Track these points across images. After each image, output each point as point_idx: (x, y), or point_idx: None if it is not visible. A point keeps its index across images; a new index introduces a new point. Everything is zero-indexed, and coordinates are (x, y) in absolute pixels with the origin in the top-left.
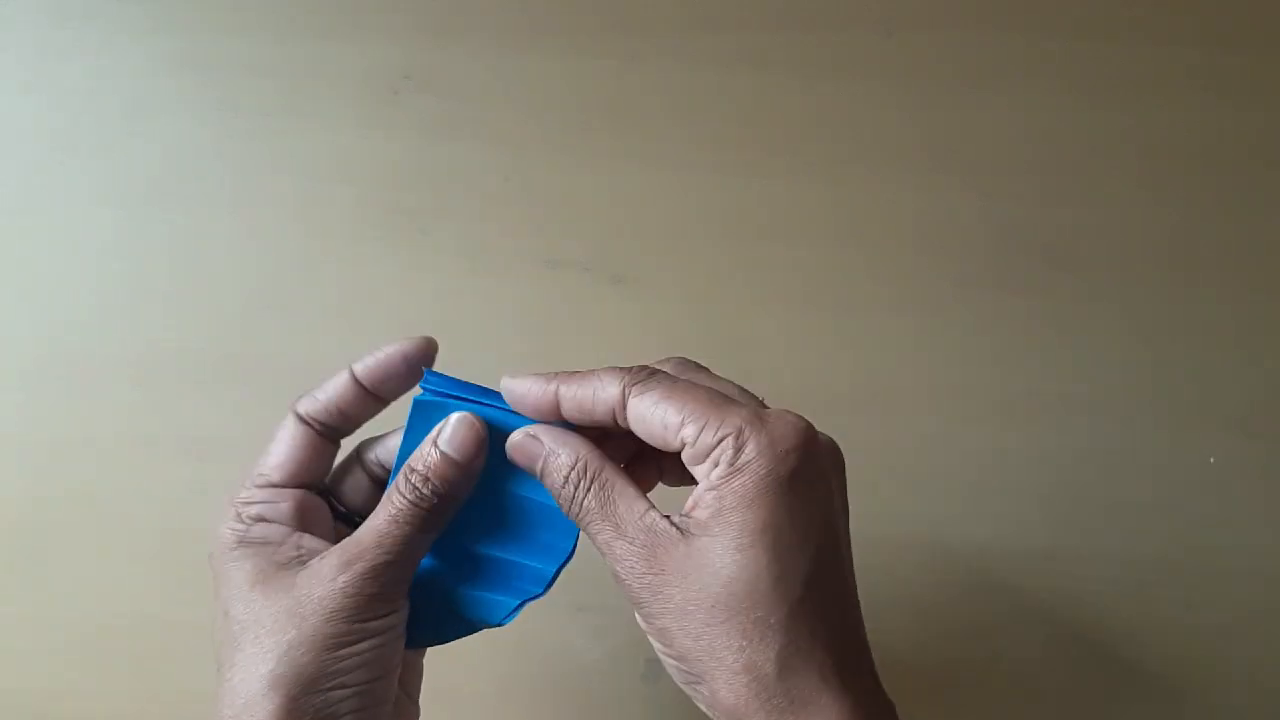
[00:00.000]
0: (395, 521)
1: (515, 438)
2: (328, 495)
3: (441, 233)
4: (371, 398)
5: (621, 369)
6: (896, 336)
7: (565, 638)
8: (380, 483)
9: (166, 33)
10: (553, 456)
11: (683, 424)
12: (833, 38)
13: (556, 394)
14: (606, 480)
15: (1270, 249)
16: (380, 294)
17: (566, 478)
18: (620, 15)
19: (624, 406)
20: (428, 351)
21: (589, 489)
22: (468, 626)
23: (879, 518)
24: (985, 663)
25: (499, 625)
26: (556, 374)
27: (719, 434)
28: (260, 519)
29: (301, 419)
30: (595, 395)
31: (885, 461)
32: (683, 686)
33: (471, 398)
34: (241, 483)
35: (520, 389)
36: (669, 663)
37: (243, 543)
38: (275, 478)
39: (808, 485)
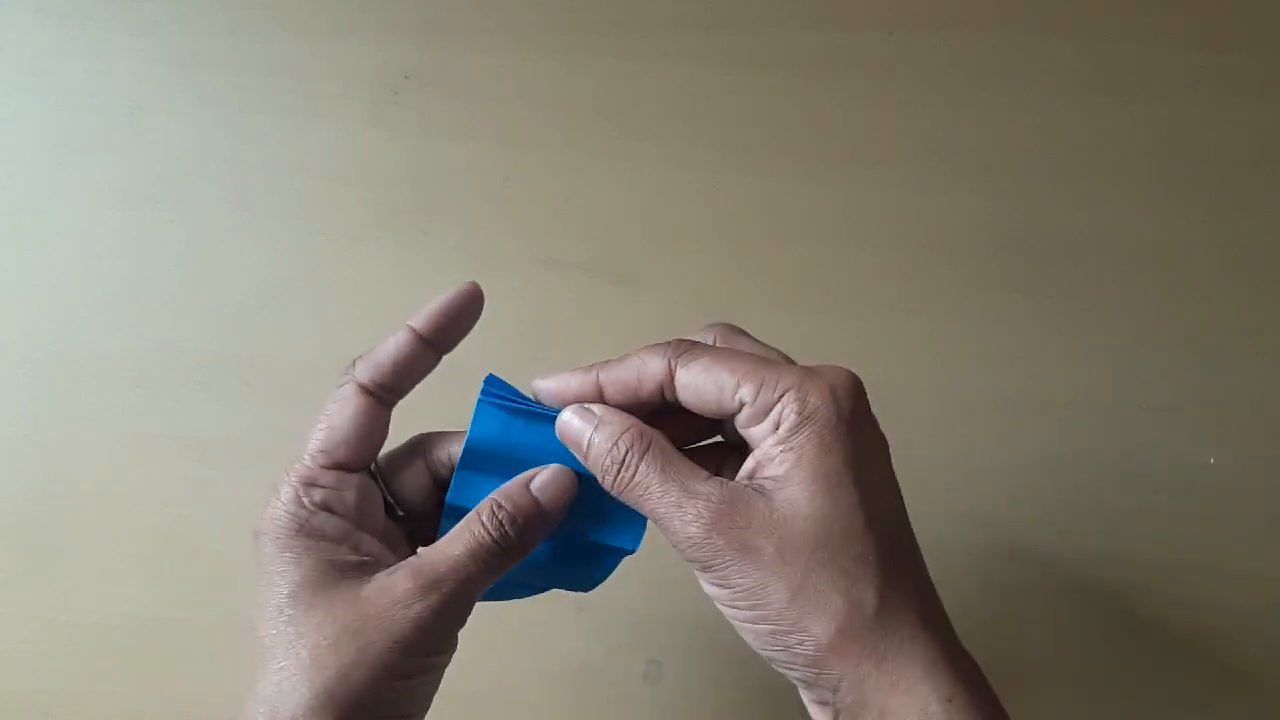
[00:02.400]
0: (474, 557)
1: (565, 415)
2: (377, 479)
3: (441, 233)
4: (430, 352)
5: (660, 344)
6: (897, 337)
7: (565, 638)
8: (441, 484)
9: (167, 33)
10: (604, 425)
11: (739, 385)
12: (833, 38)
13: (598, 380)
14: (664, 445)
15: (1271, 249)
16: (380, 294)
17: (616, 440)
18: (620, 15)
19: (672, 379)
20: (475, 295)
21: (644, 451)
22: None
23: None
24: (984, 662)
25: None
26: (593, 364)
27: (779, 390)
28: (325, 507)
29: (364, 388)
30: (640, 373)
31: None
32: (772, 653)
33: (535, 408)
34: (301, 458)
35: (558, 384)
36: (758, 629)
37: (303, 531)
38: (341, 456)
39: (872, 428)
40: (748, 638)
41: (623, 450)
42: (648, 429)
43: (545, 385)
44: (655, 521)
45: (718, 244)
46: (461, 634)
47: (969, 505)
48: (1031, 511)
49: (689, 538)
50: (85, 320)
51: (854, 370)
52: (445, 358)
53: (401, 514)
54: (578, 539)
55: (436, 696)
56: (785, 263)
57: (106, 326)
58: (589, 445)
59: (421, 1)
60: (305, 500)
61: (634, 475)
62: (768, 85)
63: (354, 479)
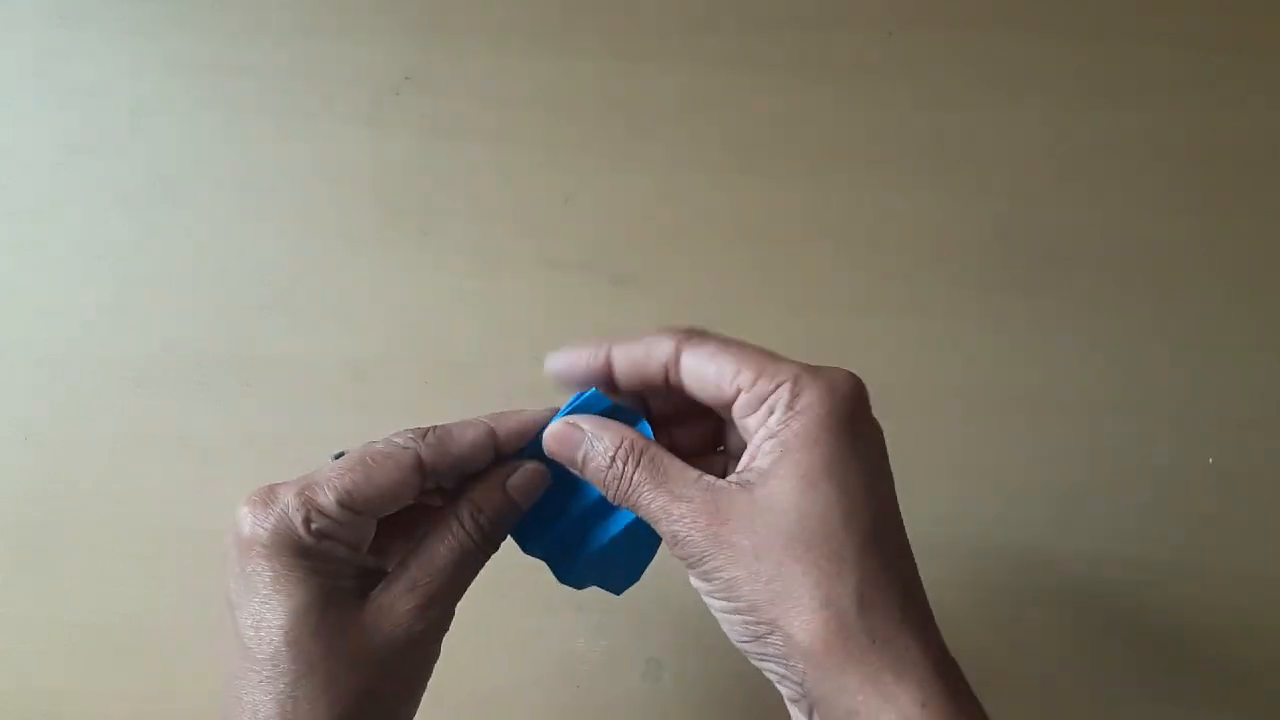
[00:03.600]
0: (461, 564)
1: (554, 428)
2: None
3: (441, 233)
4: (491, 454)
5: (672, 327)
6: (897, 337)
7: (565, 638)
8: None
9: (167, 33)
10: (595, 440)
11: (738, 372)
12: (833, 38)
13: (609, 355)
14: (655, 453)
15: (1271, 250)
16: (380, 294)
17: (613, 457)
18: (620, 16)
19: (677, 361)
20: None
21: (637, 463)
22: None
23: None
24: (983, 662)
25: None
26: (604, 339)
27: (775, 380)
28: (327, 536)
29: (418, 464)
30: (649, 351)
31: None
32: (748, 646)
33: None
34: (319, 481)
35: (569, 358)
36: (733, 620)
37: (307, 554)
38: (360, 506)
39: (866, 429)
40: (726, 629)
41: (620, 465)
42: (639, 438)
43: (556, 362)
44: (651, 524)
45: (718, 244)
46: (461, 634)
47: (968, 505)
48: (1031, 511)
49: (674, 536)
50: (85, 320)
51: (855, 370)
52: (446, 358)
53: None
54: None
55: (436, 696)
56: (785, 263)
57: (107, 327)
58: (584, 461)
59: (421, 1)
60: (312, 526)
61: (629, 487)
62: (768, 85)
63: (368, 521)
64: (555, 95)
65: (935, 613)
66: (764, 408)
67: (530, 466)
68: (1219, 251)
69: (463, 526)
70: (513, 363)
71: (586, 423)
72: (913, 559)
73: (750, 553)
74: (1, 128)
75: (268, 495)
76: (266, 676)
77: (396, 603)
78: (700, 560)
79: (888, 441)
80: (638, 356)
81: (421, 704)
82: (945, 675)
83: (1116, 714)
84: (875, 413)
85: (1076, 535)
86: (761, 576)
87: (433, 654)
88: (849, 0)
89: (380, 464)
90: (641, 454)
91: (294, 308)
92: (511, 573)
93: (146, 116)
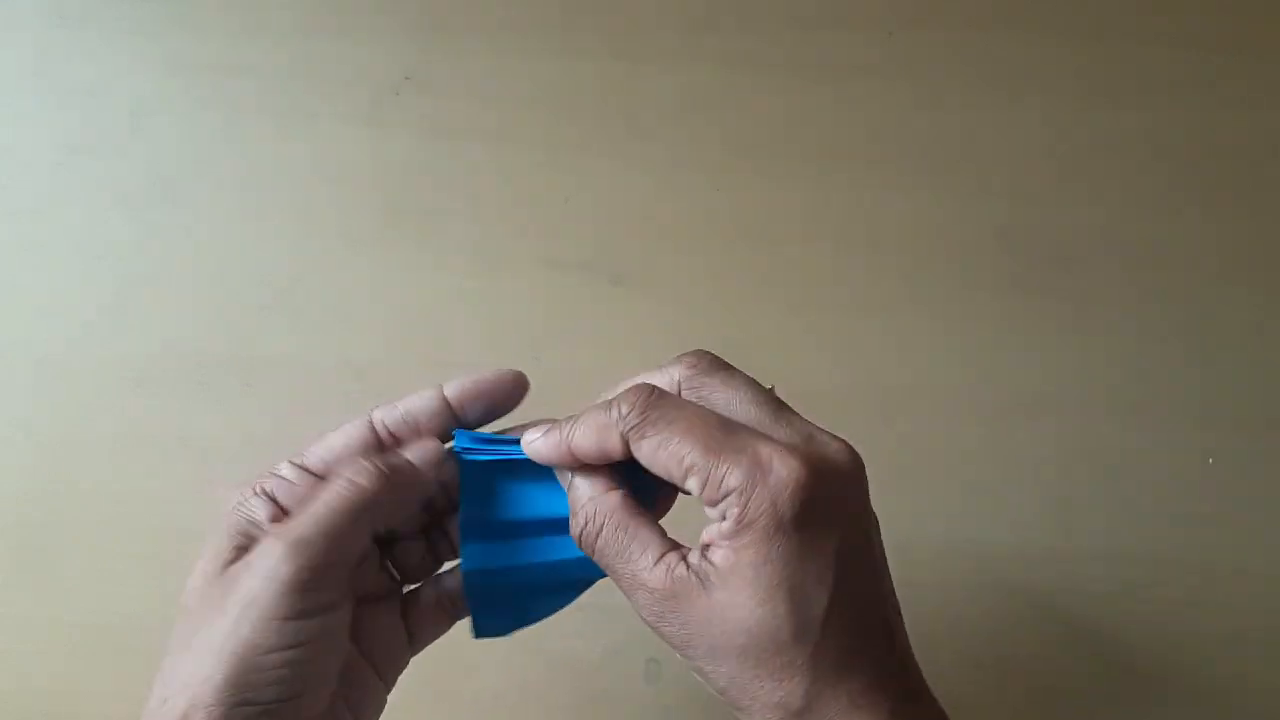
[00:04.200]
0: (324, 498)
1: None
2: None
3: (441, 233)
4: (451, 418)
5: (615, 404)
6: (897, 337)
7: (565, 638)
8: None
9: (167, 33)
10: (572, 489)
11: (686, 474)
12: (833, 38)
13: (571, 451)
14: (619, 523)
15: (1270, 249)
16: (380, 294)
17: (579, 514)
18: (620, 16)
19: (630, 453)
20: (520, 383)
21: (599, 531)
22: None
23: (879, 518)
24: (983, 662)
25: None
26: (561, 423)
27: (722, 489)
28: (268, 495)
29: (370, 423)
30: (600, 446)
31: (886, 462)
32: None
33: (509, 453)
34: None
35: (541, 451)
36: (711, 691)
37: (234, 512)
38: (311, 463)
39: (817, 523)
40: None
41: (584, 524)
42: (605, 502)
43: (531, 446)
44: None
45: (718, 244)
46: (462, 634)
47: (967, 504)
48: (1030, 511)
49: (640, 611)
50: (85, 320)
51: (855, 370)
52: (446, 358)
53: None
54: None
55: (436, 696)
56: (785, 263)
57: (107, 327)
58: (571, 493)
59: (421, 1)
60: (258, 485)
61: (595, 548)
62: (768, 85)
63: (310, 476)
64: (555, 95)
65: (932, 613)
66: (715, 510)
67: (431, 443)
68: (1219, 251)
69: (341, 472)
70: (513, 363)
71: (570, 472)
72: (882, 622)
73: (708, 653)
74: (1, 128)
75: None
76: (167, 650)
77: (258, 548)
78: (665, 638)
79: (888, 443)
80: (595, 453)
81: (421, 704)
82: None
83: (1116, 714)
84: (875, 413)
85: (1076, 535)
86: (721, 674)
87: (316, 631)
88: (849, 0)
89: (338, 429)
90: (604, 521)
91: (294, 308)
92: None
93: (146, 116)
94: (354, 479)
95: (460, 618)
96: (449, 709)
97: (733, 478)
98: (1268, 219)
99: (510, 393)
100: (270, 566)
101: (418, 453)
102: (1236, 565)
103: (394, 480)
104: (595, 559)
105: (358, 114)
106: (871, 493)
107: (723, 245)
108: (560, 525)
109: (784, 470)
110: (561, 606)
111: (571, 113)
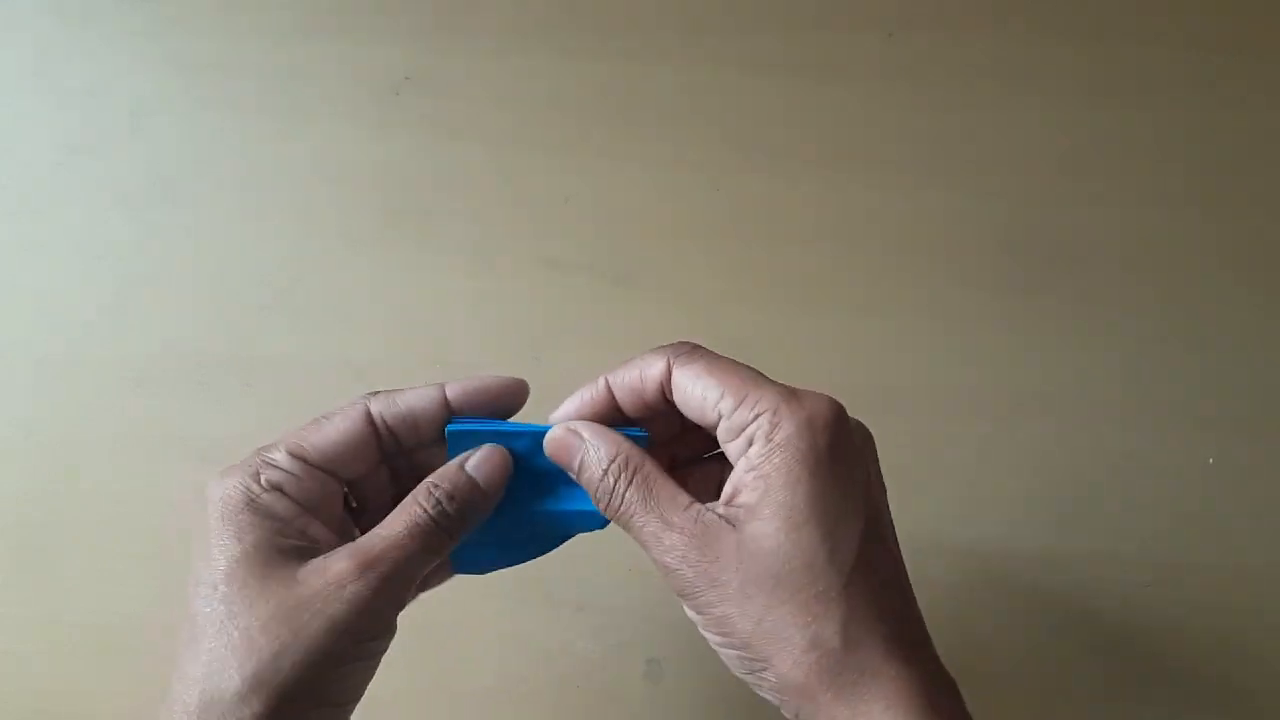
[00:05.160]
0: (413, 535)
1: (555, 432)
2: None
3: (441, 233)
4: (450, 420)
5: (667, 345)
6: (897, 337)
7: (565, 637)
8: (399, 480)
9: (167, 33)
10: (592, 449)
11: (721, 397)
12: (833, 38)
13: (606, 383)
14: (648, 473)
15: (1270, 249)
16: (380, 294)
17: (606, 470)
18: (620, 16)
19: (669, 379)
20: (521, 391)
21: (630, 480)
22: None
23: None
24: (982, 662)
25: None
26: (601, 374)
27: (755, 410)
28: (277, 488)
29: (369, 415)
30: (643, 374)
31: (886, 462)
32: (744, 677)
33: (502, 428)
34: (274, 442)
35: (570, 406)
36: (728, 654)
37: (250, 507)
38: (312, 456)
39: (847, 460)
40: (724, 660)
41: (611, 480)
42: (635, 453)
43: (560, 413)
44: (641, 547)
45: (718, 244)
46: (462, 634)
47: (968, 504)
48: (1031, 511)
49: (665, 567)
50: (86, 320)
51: (855, 369)
52: (446, 358)
53: (355, 505)
54: (546, 513)
55: (436, 696)
56: (785, 263)
57: (107, 327)
58: (581, 468)
59: (421, 2)
60: (261, 477)
61: (620, 504)
62: (768, 86)
63: (318, 474)
64: (555, 95)
65: (931, 614)
66: (743, 437)
67: (487, 446)
68: (1219, 251)
69: (418, 501)
70: (513, 363)
71: (585, 430)
72: (903, 580)
73: (739, 591)
74: (1, 128)
75: (242, 461)
76: (194, 628)
77: (334, 564)
78: (691, 594)
79: (888, 443)
80: (633, 381)
81: (422, 703)
82: (935, 702)
83: (1116, 714)
84: (875, 413)
85: (1076, 535)
86: (751, 615)
87: (371, 632)
88: (849, 0)
89: (331, 418)
90: (635, 471)
91: (294, 308)
92: (510, 573)
93: (146, 116)
94: (438, 521)
95: (436, 584)
96: (449, 708)
97: (768, 398)
98: (1268, 219)
99: (512, 400)
100: (361, 596)
101: (484, 471)
102: (1236, 565)
103: (469, 521)
104: (616, 512)
105: (358, 114)
106: None
107: (723, 245)
108: (548, 478)
109: (816, 402)
110: (542, 554)
111: (571, 113)
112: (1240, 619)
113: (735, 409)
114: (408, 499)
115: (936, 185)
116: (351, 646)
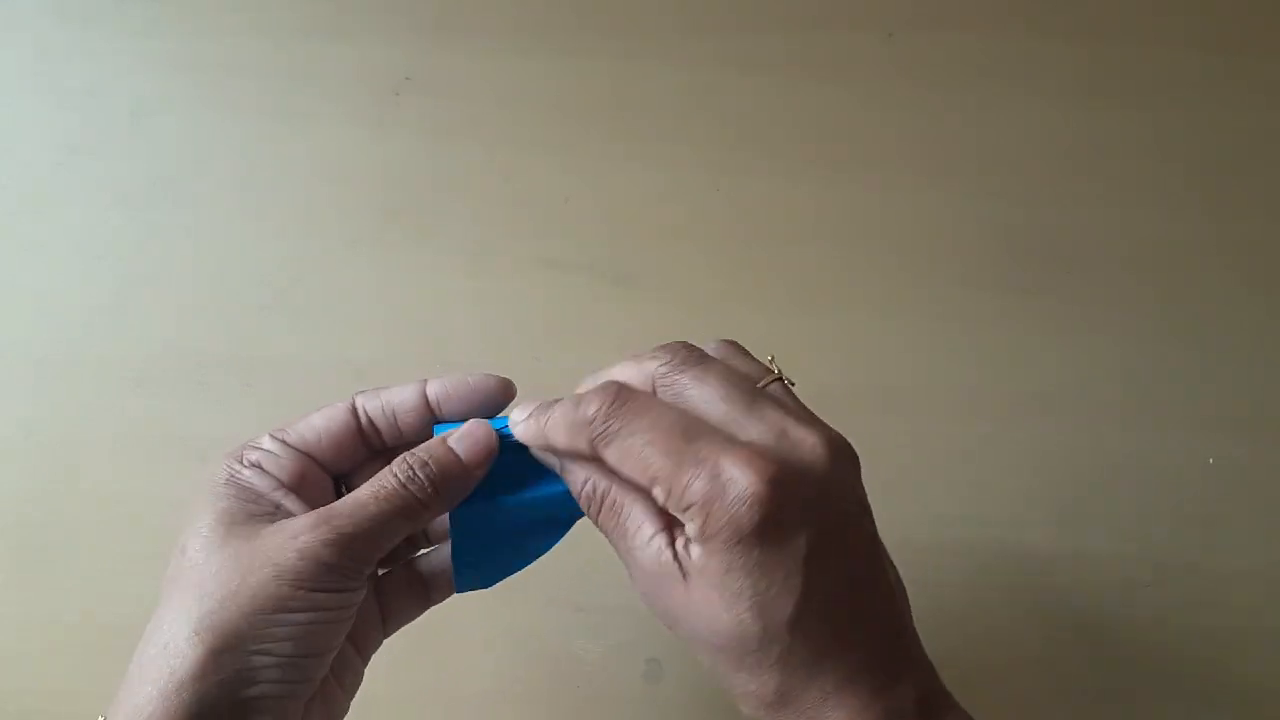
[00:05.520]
0: (376, 498)
1: (537, 451)
2: (337, 481)
3: (441, 233)
4: (430, 416)
5: (583, 403)
6: (897, 337)
7: (565, 638)
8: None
9: (167, 33)
10: (566, 472)
11: (651, 484)
12: (833, 38)
13: (549, 444)
14: (614, 501)
15: (1270, 249)
16: (380, 294)
17: (580, 493)
18: (620, 16)
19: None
20: (506, 391)
21: (600, 510)
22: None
23: (878, 517)
24: (982, 662)
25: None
26: (537, 412)
27: (684, 502)
28: (256, 466)
29: (352, 407)
30: (573, 445)
31: (886, 461)
32: None
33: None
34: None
35: (524, 437)
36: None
37: (229, 481)
38: (292, 439)
39: (782, 532)
40: None
41: (585, 501)
42: (599, 478)
43: (516, 425)
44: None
45: (718, 244)
46: (461, 634)
47: (967, 504)
48: (1031, 511)
49: (635, 587)
50: (85, 320)
51: (855, 369)
52: (446, 358)
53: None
54: (542, 499)
55: (436, 696)
56: (785, 263)
57: (107, 327)
58: (564, 475)
59: (421, 2)
60: (244, 458)
61: (596, 522)
62: (768, 86)
63: (298, 455)
64: (555, 95)
65: (931, 614)
66: (682, 517)
67: (472, 421)
68: (1219, 251)
69: (390, 469)
70: (513, 363)
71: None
72: (876, 608)
73: (690, 637)
74: (1, 128)
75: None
76: (165, 588)
77: (295, 521)
78: (659, 616)
79: (887, 442)
80: (567, 449)
81: (421, 703)
82: None
83: (1116, 713)
84: (876, 413)
85: (1076, 535)
86: (703, 658)
87: (319, 582)
88: (849, 0)
89: (320, 409)
90: (603, 499)
91: (294, 308)
92: None
93: (146, 116)
94: (408, 486)
95: (431, 603)
96: (448, 709)
97: (693, 491)
98: (1268, 219)
99: (494, 400)
100: (311, 547)
101: (465, 445)
102: (1237, 565)
103: (445, 492)
104: (597, 525)
105: (358, 114)
106: (872, 493)
107: (723, 245)
108: (536, 471)
109: (743, 482)
110: (543, 551)
111: (571, 113)
112: (1240, 619)
113: (667, 497)
114: (385, 469)
115: (937, 185)
116: (293, 592)
